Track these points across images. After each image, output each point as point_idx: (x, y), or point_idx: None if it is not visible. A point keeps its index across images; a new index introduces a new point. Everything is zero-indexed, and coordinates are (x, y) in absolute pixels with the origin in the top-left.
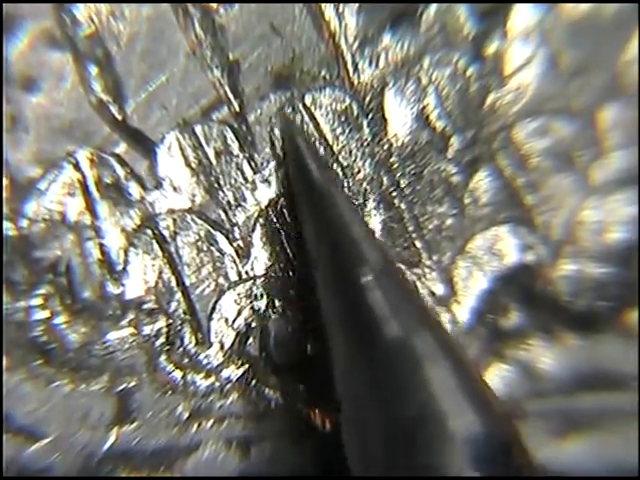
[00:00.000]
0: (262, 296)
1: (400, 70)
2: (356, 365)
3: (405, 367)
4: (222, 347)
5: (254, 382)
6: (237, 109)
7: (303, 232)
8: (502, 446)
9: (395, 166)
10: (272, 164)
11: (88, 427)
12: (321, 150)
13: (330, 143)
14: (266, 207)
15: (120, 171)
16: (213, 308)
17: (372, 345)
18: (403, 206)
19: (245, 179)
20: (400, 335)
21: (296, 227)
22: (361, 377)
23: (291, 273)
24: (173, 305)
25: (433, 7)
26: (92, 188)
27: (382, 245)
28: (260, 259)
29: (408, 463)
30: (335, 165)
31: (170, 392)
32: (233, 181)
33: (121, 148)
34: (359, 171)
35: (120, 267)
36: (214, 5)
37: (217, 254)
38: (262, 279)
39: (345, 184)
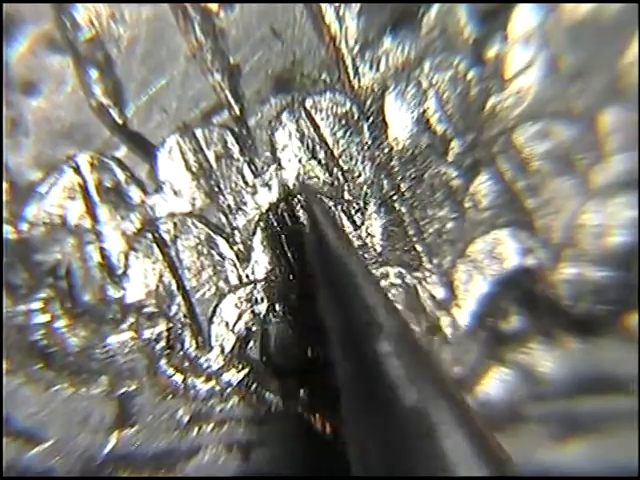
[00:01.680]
0: (262, 300)
1: (400, 74)
2: (371, 431)
3: (421, 434)
4: (222, 351)
5: (254, 386)
6: (237, 113)
7: (319, 298)
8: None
9: (395, 170)
10: (272, 168)
11: (88, 431)
12: (338, 219)
13: (330, 147)
14: (267, 211)
15: (120, 175)
16: (213, 312)
17: (388, 413)
18: (403, 210)
19: (245, 183)
20: (416, 404)
21: (311, 291)
22: (376, 443)
23: (291, 277)
24: (173, 309)
25: (433, 10)
26: (92, 192)
27: (398, 311)
28: (260, 263)
29: None
30: (335, 169)
31: (170, 396)
32: (233, 185)
33: (121, 152)
34: (359, 175)
35: (120, 271)
36: (214, 8)
37: (217, 258)
38: (262, 283)
39: (346, 188)
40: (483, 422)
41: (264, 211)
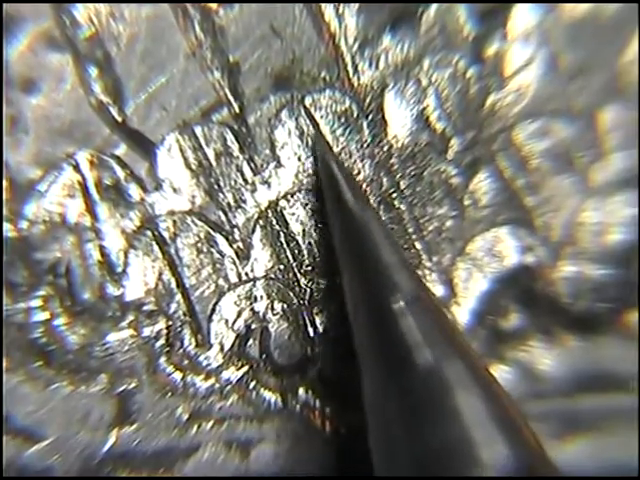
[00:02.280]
0: (262, 298)
1: (400, 71)
2: (387, 392)
3: (436, 395)
4: (222, 349)
5: (254, 384)
6: (237, 110)
7: (335, 257)
8: (534, 477)
9: (395, 167)
10: (272, 165)
11: (88, 429)
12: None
13: (330, 144)
14: (266, 209)
15: (120, 173)
16: (213, 310)
17: (403, 373)
18: (403, 207)
19: (245, 180)
20: (431, 363)
21: (327, 246)
22: (391, 404)
23: (291, 275)
24: (173, 307)
25: (433, 8)
26: (92, 190)
27: (415, 272)
28: (260, 261)
29: None
30: None
31: (170, 394)
32: (233, 183)
33: (121, 149)
34: (359, 172)
35: (120, 269)
36: (214, 6)
37: (217, 256)
38: (262, 281)
39: None
40: (498, 384)
41: (264, 209)
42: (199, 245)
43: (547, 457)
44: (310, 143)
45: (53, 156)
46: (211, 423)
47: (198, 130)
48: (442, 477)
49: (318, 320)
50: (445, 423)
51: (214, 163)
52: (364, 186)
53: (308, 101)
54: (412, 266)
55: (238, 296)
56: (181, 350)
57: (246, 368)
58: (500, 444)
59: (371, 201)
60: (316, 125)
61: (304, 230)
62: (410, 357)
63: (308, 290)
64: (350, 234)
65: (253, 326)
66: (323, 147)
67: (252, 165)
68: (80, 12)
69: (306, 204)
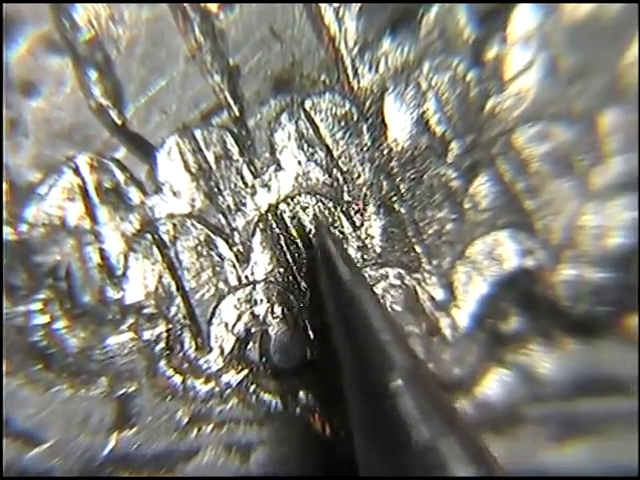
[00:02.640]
0: (262, 301)
1: (400, 75)
2: (383, 468)
3: (432, 471)
4: (222, 352)
5: (254, 387)
6: (237, 114)
7: (332, 333)
8: None
9: (395, 171)
10: (272, 168)
11: (88, 432)
12: (351, 252)
13: (330, 148)
14: (266, 212)
15: (120, 176)
16: (213, 313)
17: (400, 449)
18: (403, 211)
19: (245, 184)
20: (428, 440)
21: (322, 324)
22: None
23: (291, 278)
24: (173, 310)
25: (433, 12)
26: (92, 193)
27: (411, 348)
28: (260, 264)
29: None
30: (335, 170)
31: (170, 397)
32: (233, 186)
33: (121, 153)
34: (359, 176)
35: (120, 272)
36: (214, 9)
37: (217, 259)
38: (262, 284)
39: (345, 189)
40: (494, 459)
41: (263, 212)
42: (199, 248)
43: None
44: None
45: (53, 159)
46: (211, 426)
47: (198, 133)
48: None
49: (318, 323)
50: None
51: (214, 166)
52: (364, 189)
53: (308, 104)
54: (407, 342)
55: (238, 299)
56: (181, 353)
57: (246, 371)
58: None
59: (363, 276)
60: (316, 128)
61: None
62: (407, 435)
63: (308, 293)
64: (345, 310)
65: (253, 329)
66: (320, 222)
67: (252, 168)
68: (80, 15)
69: (305, 207)
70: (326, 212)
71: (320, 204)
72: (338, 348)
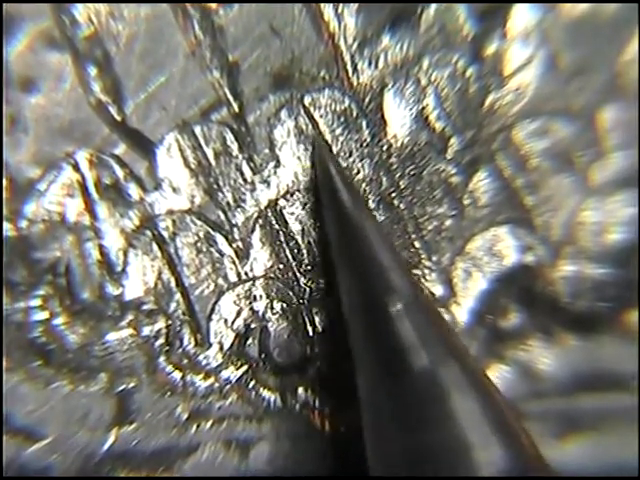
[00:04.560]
0: (261, 297)
1: (399, 71)
2: (383, 394)
3: (432, 398)
4: (221, 348)
5: (253, 383)
6: (236, 110)
7: (332, 258)
8: (529, 477)
9: (394, 167)
10: (271, 165)
11: (87, 428)
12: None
13: (329, 144)
14: (265, 208)
15: (119, 172)
16: (212, 309)
17: (399, 374)
18: (402, 207)
19: (244, 180)
20: (427, 366)
21: (325, 247)
22: (387, 406)
23: (290, 274)
24: (172, 306)
25: (432, 8)
26: (91, 189)
27: (412, 274)
28: (259, 260)
29: None
30: None
31: (169, 393)
32: (232, 182)
33: (120, 149)
34: (358, 172)
35: (119, 268)
36: (213, 6)
37: (216, 255)
38: (261, 280)
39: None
40: (494, 386)
41: (263, 208)
42: (198, 244)
43: (542, 458)
44: (309, 143)
45: (52, 155)
46: (210, 422)
47: (197, 129)
48: (437, 477)
49: (317, 319)
50: (440, 424)
51: (213, 162)
52: (363, 185)
53: (307, 100)
54: (409, 267)
55: (237, 295)
56: (180, 349)
57: (245, 367)
58: (495, 445)
59: (369, 202)
60: (315, 124)
61: (303, 229)
62: (407, 359)
63: (307, 289)
64: (346, 235)
65: (252, 325)
66: (321, 147)
67: (251, 164)
68: (79, 12)
69: (305, 203)
70: None
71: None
72: (339, 276)
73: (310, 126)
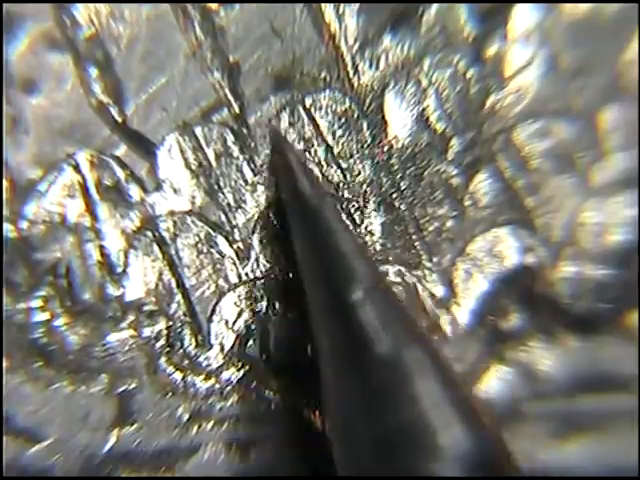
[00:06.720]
0: (262, 298)
1: (400, 72)
2: (345, 380)
3: (394, 380)
4: (222, 349)
5: (254, 384)
6: (237, 111)
7: (293, 246)
8: (490, 461)
9: (395, 168)
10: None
11: (88, 429)
12: (311, 164)
13: (330, 145)
14: (266, 209)
15: (120, 173)
16: (213, 310)
17: (362, 360)
18: (403, 208)
19: (245, 181)
20: (389, 350)
21: (286, 239)
22: (350, 392)
23: (291, 275)
24: (173, 307)
25: (433, 9)
26: (92, 190)
27: (372, 261)
28: (260, 261)
29: (397, 477)
30: (335, 167)
31: (170, 394)
32: (233, 183)
33: (121, 150)
34: (359, 173)
35: (120, 269)
36: (214, 7)
37: (217, 256)
38: (262, 281)
39: (344, 186)
40: (455, 372)
41: (264, 209)
42: (199, 245)
43: (503, 441)
44: (309, 144)
45: (53, 156)
46: (211, 423)
47: (198, 130)
48: (401, 459)
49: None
50: (404, 407)
51: (214, 163)
52: (364, 186)
53: (308, 101)
54: (369, 254)
55: (238, 296)
56: (181, 350)
57: (246, 368)
58: (457, 427)
59: (326, 189)
60: (316, 125)
61: None
62: (369, 345)
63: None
64: (306, 223)
65: (253, 326)
66: (277, 135)
67: (252, 165)
68: (80, 12)
69: None
70: None
71: None
72: (300, 264)
73: (311, 127)
